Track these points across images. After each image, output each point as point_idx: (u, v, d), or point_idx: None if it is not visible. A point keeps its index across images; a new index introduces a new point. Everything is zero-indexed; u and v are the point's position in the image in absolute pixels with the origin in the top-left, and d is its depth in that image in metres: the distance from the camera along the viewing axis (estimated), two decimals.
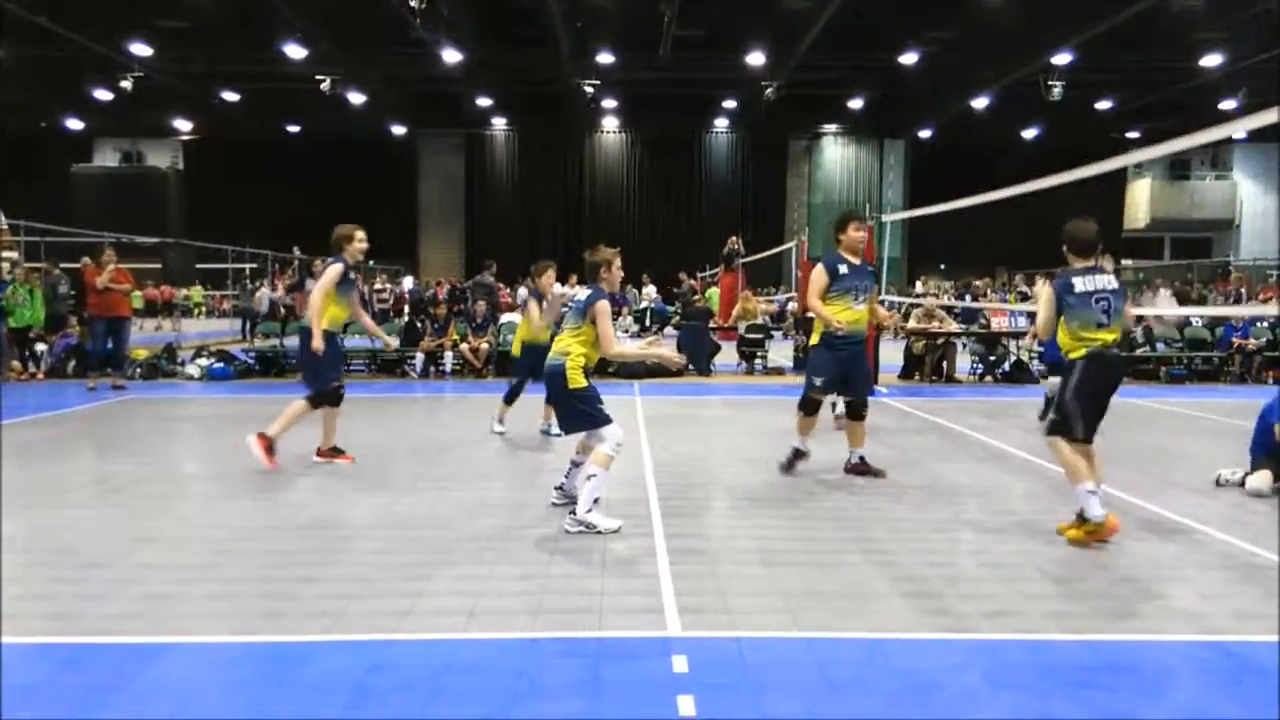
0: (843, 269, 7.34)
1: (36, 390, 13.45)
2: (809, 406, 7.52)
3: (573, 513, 5.87)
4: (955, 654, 4.00)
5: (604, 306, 6.08)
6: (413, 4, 21.52)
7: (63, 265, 17.49)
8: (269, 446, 7.64)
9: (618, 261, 6.36)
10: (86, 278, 13.72)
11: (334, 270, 7.77)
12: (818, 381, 7.39)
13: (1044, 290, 6.22)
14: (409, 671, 3.77)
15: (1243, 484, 7.28)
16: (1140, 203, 40.51)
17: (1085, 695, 3.59)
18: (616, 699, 3.53)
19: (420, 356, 15.41)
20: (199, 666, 3.87)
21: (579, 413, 6.00)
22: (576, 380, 5.97)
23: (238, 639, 4.09)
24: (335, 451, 8.13)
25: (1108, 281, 5.79)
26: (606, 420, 5.95)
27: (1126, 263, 38.00)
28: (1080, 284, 5.76)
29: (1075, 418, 5.77)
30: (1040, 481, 7.64)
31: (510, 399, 9.67)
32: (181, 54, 27.72)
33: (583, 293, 6.24)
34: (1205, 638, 4.21)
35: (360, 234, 7.97)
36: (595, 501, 5.84)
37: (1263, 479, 7.16)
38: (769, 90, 30.05)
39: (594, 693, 3.58)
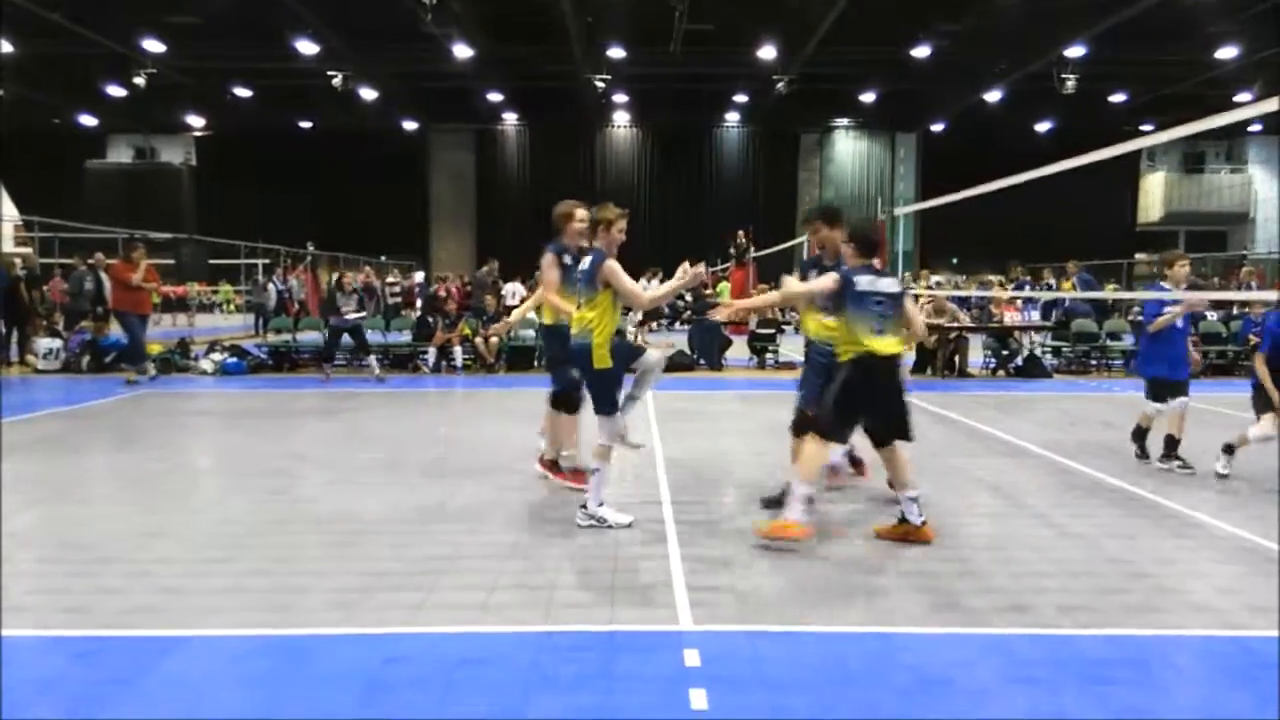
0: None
1: (52, 384, 13.52)
2: None
3: (583, 506, 5.86)
4: (968, 649, 3.99)
5: (613, 265, 5.70)
6: None
7: (89, 262, 17.53)
8: (553, 465, 6.99)
9: (622, 224, 5.91)
10: (118, 273, 13.74)
11: (549, 261, 6.60)
12: None
13: (826, 277, 5.75)
14: (422, 665, 3.78)
15: (1230, 450, 7.46)
16: (1154, 196, 40.26)
17: (1100, 691, 3.57)
18: (629, 692, 3.53)
19: (433, 351, 15.42)
20: (213, 660, 3.88)
21: (600, 395, 5.78)
22: (603, 360, 5.69)
23: (251, 632, 4.11)
24: (553, 467, 7.02)
25: (888, 285, 5.56)
26: (615, 409, 5.81)
27: (1140, 256, 37.77)
28: (861, 282, 5.51)
29: (830, 421, 5.57)
30: (1052, 475, 7.60)
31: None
32: (194, 50, 27.81)
33: (584, 259, 5.91)
34: (1221, 632, 4.18)
35: (581, 212, 6.56)
36: (602, 497, 5.83)
37: (1266, 424, 7.26)
38: (780, 84, 29.96)
39: (607, 686, 3.58)
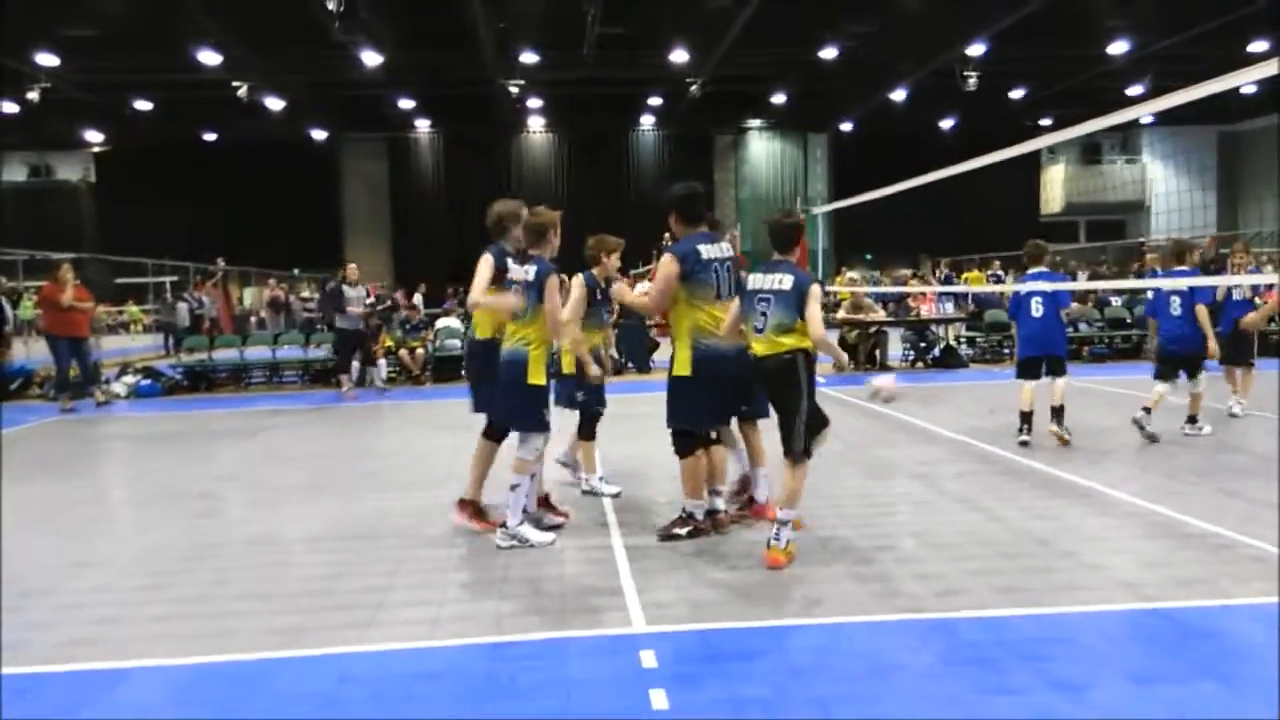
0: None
1: None
2: None
3: (503, 525, 5.62)
4: (912, 634, 4.12)
5: (554, 281, 5.53)
6: (330, 6, 21.14)
7: None
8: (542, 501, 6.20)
9: (558, 227, 5.78)
10: (47, 295, 13.17)
11: (486, 263, 5.81)
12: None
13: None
14: (377, 682, 3.76)
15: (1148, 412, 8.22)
16: (1055, 187, 41.65)
17: (1040, 667, 3.72)
18: (589, 697, 3.56)
19: (355, 365, 15.17)
20: (159, 690, 3.79)
21: (529, 411, 5.59)
22: (538, 376, 5.56)
23: (197, 660, 4.02)
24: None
25: (774, 282, 5.22)
26: (545, 428, 5.68)
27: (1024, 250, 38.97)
28: (752, 280, 5.34)
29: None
30: (975, 461, 7.85)
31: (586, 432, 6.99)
32: (91, 63, 26.85)
33: (527, 269, 5.60)
34: (1148, 605, 4.39)
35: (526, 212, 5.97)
36: (524, 513, 5.63)
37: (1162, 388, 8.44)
38: (693, 87, 30.22)
39: (566, 692, 3.61)
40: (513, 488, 5.61)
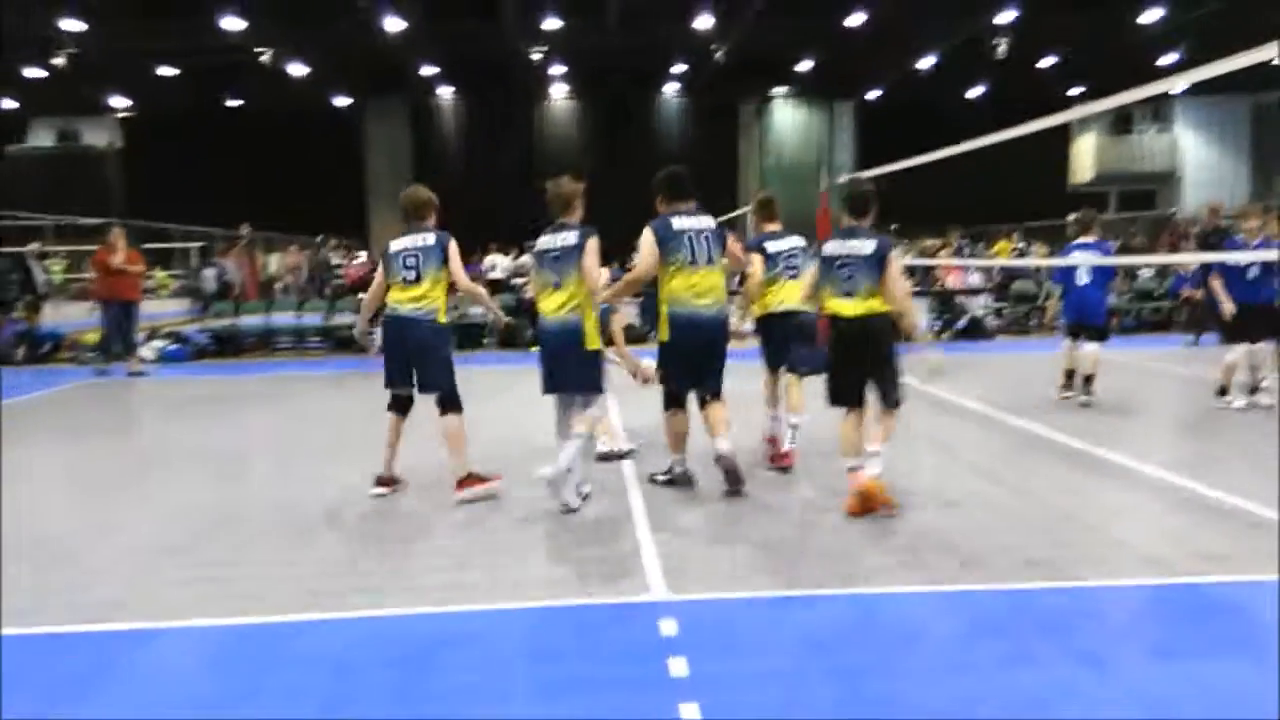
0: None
1: None
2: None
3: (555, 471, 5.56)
4: (935, 606, 4.11)
5: (595, 244, 5.74)
6: None
7: (4, 250, 16.96)
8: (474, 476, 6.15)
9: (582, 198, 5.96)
10: (99, 259, 13.23)
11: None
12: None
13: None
14: (398, 646, 3.79)
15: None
16: (1085, 157, 41.04)
17: (1063, 640, 3.71)
18: (609, 664, 3.58)
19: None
20: (184, 652, 3.85)
21: (592, 376, 5.85)
22: (594, 341, 5.78)
23: (223, 622, 4.07)
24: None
25: (855, 247, 5.49)
26: (603, 390, 6.06)
27: (1072, 216, 38.44)
28: (830, 247, 5.63)
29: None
30: (1000, 434, 7.80)
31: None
32: (117, 29, 26.91)
33: (568, 235, 5.74)
34: (1171, 580, 4.36)
35: None
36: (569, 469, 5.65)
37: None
38: (718, 54, 29.92)
39: (586, 659, 3.63)
40: (575, 436, 5.72)
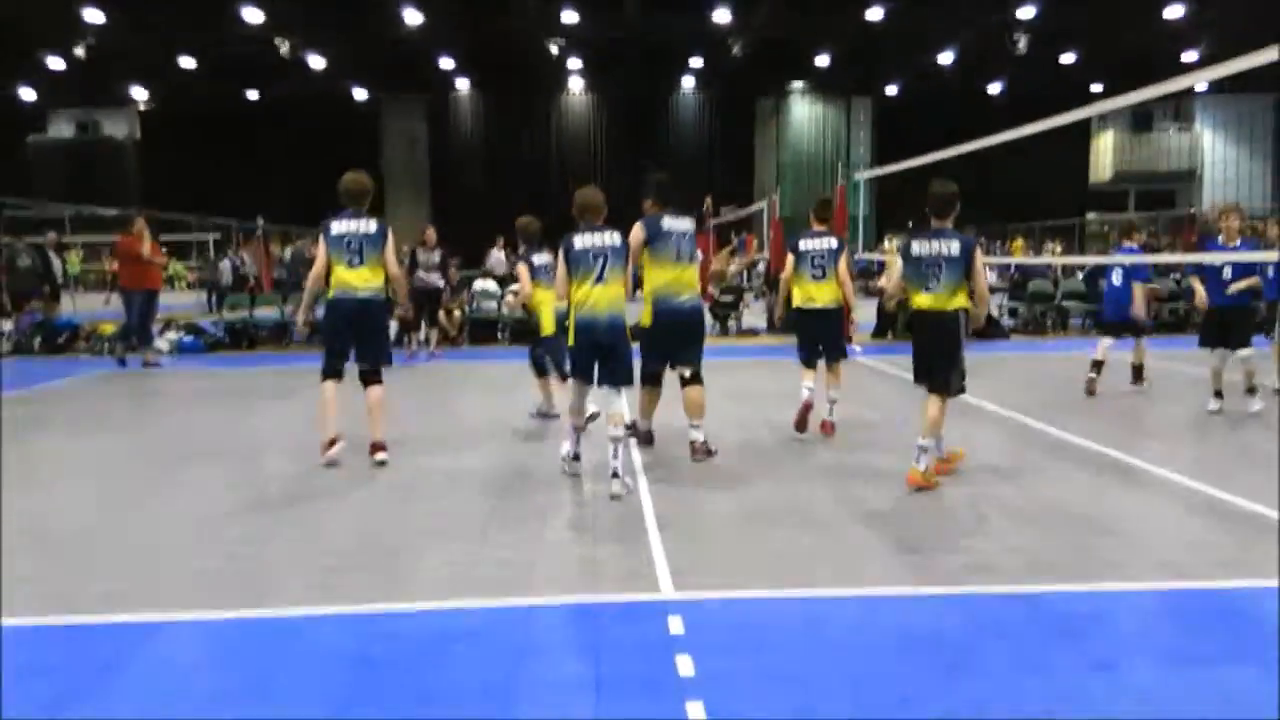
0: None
1: (4, 367, 13.22)
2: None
3: (616, 474, 5.84)
4: (944, 608, 4.09)
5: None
6: None
7: (28, 239, 17.05)
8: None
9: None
10: (125, 248, 13.11)
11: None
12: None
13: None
14: (410, 641, 3.80)
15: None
16: (1105, 155, 40.75)
17: (1075, 644, 3.68)
18: (617, 661, 3.58)
19: (394, 325, 15.26)
20: (197, 643, 3.88)
21: (631, 366, 6.29)
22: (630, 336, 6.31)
23: (234, 614, 4.09)
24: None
25: (942, 248, 5.96)
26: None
27: (1092, 216, 38.27)
28: (918, 247, 6.10)
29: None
30: (1014, 435, 7.76)
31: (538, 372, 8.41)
32: (136, 20, 27.04)
33: (612, 235, 6.14)
34: (1187, 584, 4.32)
35: None
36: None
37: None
38: (735, 48, 29.84)
39: (594, 655, 3.63)
40: (619, 440, 6.00)
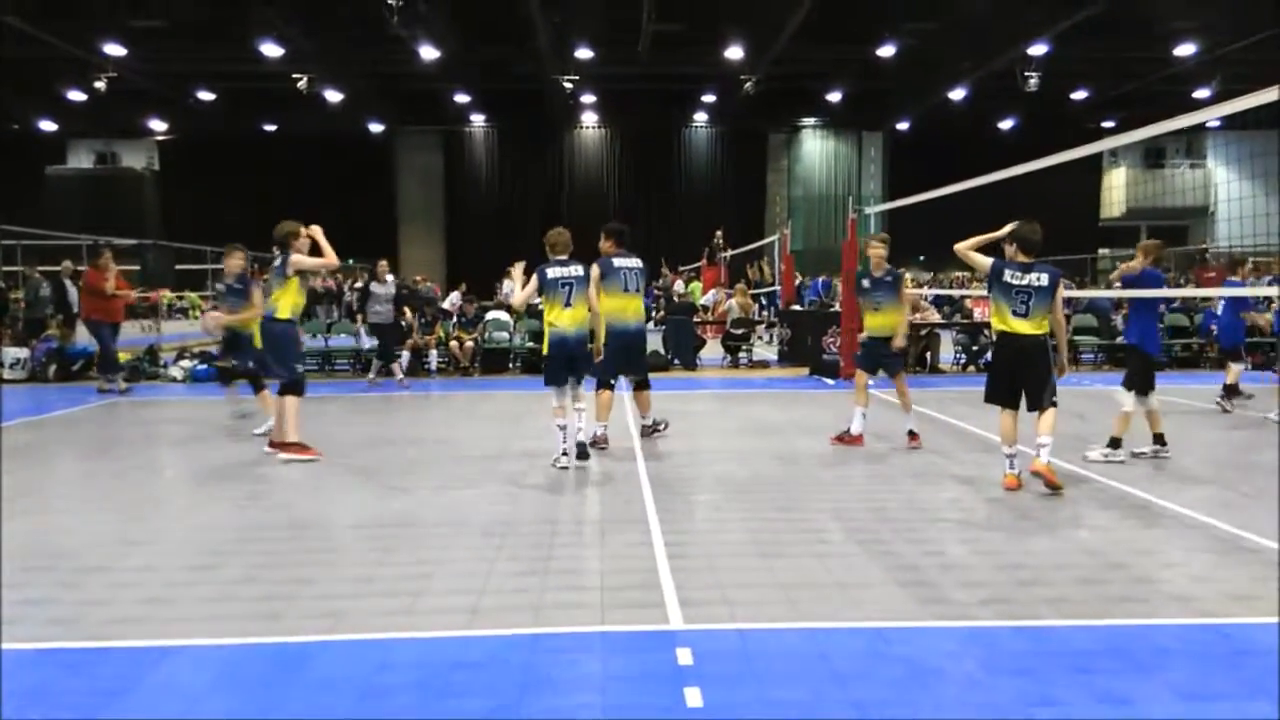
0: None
1: (19, 394, 13.31)
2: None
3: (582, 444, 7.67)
4: (954, 641, 4.06)
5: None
6: (389, 1, 21.40)
7: (41, 268, 17.24)
8: (296, 445, 8.18)
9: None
10: (91, 281, 13.37)
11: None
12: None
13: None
14: (415, 670, 3.79)
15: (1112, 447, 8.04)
16: (1117, 192, 40.80)
17: (1085, 680, 3.65)
18: (624, 692, 3.56)
19: (405, 355, 15.34)
20: (204, 669, 3.86)
21: (591, 365, 8.19)
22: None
23: (241, 641, 4.09)
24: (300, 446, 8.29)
25: (1034, 279, 6.72)
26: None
27: (1104, 251, 38.27)
28: (1011, 276, 6.77)
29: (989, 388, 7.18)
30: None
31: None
32: (156, 53, 27.46)
33: (577, 267, 7.75)
34: (1200, 620, 4.28)
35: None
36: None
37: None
38: (748, 84, 30.09)
39: (601, 686, 3.61)
40: (577, 409, 7.77)
